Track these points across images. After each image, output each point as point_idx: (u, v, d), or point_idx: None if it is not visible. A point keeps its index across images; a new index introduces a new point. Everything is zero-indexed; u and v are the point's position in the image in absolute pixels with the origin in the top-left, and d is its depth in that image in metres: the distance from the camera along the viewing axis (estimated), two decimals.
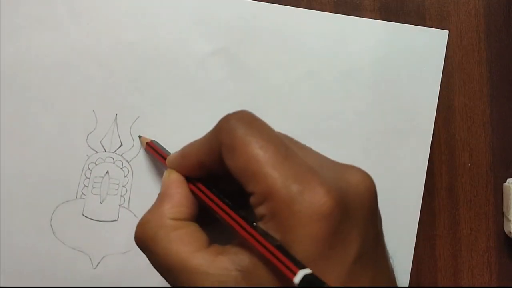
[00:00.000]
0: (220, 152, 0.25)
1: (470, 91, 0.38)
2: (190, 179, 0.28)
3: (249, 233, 0.23)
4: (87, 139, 0.35)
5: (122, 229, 0.35)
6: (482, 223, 0.38)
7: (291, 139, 0.27)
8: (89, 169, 0.35)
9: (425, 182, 0.37)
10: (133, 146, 0.35)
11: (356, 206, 0.23)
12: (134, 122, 0.35)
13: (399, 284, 0.29)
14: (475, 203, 0.38)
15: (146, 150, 0.34)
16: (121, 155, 0.35)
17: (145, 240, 0.26)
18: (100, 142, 0.35)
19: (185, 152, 0.28)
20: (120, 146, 0.35)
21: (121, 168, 0.35)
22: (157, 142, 0.34)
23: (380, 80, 0.36)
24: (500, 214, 0.37)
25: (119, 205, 0.35)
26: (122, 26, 0.35)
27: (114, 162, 0.35)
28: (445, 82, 0.38)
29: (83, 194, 0.35)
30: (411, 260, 0.36)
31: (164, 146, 0.34)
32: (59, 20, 0.35)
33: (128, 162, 0.35)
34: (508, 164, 0.38)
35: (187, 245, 0.25)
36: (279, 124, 0.31)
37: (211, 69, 0.36)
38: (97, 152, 0.35)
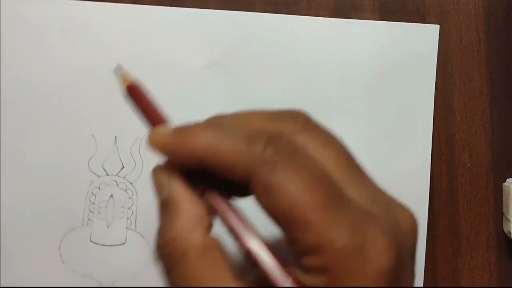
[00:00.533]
0: (248, 178, 0.20)
1: (470, 91, 0.38)
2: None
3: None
4: (88, 164, 0.35)
5: (130, 251, 0.34)
6: (482, 223, 0.38)
7: (340, 162, 0.22)
8: (93, 194, 0.35)
9: None
10: (135, 167, 0.35)
11: (407, 255, 0.21)
12: (134, 143, 0.35)
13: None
14: (475, 203, 0.38)
15: (127, 97, 0.26)
16: (124, 177, 0.35)
17: (170, 262, 0.22)
18: (102, 166, 0.35)
19: (189, 140, 0.22)
20: (122, 168, 0.35)
21: (125, 191, 0.35)
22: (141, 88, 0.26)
23: (376, 81, 0.37)
24: (500, 214, 0.37)
25: (126, 228, 0.35)
26: (115, 46, 0.35)
27: (117, 185, 0.35)
28: (445, 82, 0.38)
29: (89, 220, 0.34)
30: (424, 260, 0.36)
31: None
32: (53, 45, 0.35)
33: (131, 184, 0.35)
34: (508, 164, 0.38)
35: (220, 270, 0.21)
36: None
37: (207, 82, 0.36)
38: (99, 176, 0.35)
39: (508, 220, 0.36)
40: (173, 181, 0.22)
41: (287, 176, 0.20)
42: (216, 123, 0.23)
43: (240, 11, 0.36)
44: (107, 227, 0.34)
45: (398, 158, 0.36)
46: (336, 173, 0.21)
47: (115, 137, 0.35)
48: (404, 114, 0.37)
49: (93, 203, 0.35)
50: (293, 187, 0.20)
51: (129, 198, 0.35)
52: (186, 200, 0.22)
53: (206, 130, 0.22)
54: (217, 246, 0.21)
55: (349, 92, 0.36)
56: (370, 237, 0.19)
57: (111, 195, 0.35)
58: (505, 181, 0.37)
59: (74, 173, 0.35)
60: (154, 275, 0.34)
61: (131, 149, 0.35)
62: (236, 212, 0.22)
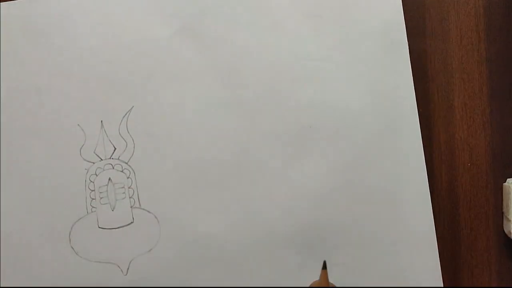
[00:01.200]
0: None
1: (470, 91, 0.38)
2: None
3: None
4: (80, 153, 0.35)
5: (140, 229, 0.35)
6: (482, 223, 0.38)
7: None
8: (91, 181, 0.35)
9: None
10: (126, 146, 0.35)
11: None
12: (120, 123, 0.35)
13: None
14: (475, 203, 0.38)
15: None
16: (118, 159, 0.35)
17: None
18: (94, 152, 0.35)
19: None
20: (114, 150, 0.35)
21: (122, 171, 0.35)
22: None
23: (343, 12, 0.35)
24: (500, 214, 0.37)
25: (131, 207, 0.35)
26: (81, 35, 0.35)
27: (113, 168, 0.35)
28: (445, 82, 0.38)
29: (93, 207, 0.35)
30: (437, 254, 0.36)
31: (153, 134, 0.34)
32: (25, 42, 0.35)
33: (127, 163, 0.35)
34: (508, 164, 0.38)
35: None
36: (257, 81, 0.32)
37: (178, 50, 0.35)
38: (94, 163, 0.35)
39: (508, 220, 0.36)
40: None
41: None
42: None
43: None
44: (112, 210, 0.35)
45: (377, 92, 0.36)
46: None
47: (101, 121, 0.35)
48: (377, 43, 0.36)
49: (93, 190, 0.35)
50: None
51: (128, 178, 0.35)
52: None
53: None
54: None
55: (317, 28, 0.35)
56: None
57: (109, 179, 0.35)
58: (505, 181, 0.37)
59: (68, 165, 0.35)
60: (168, 246, 0.34)
61: (119, 129, 0.35)
62: None
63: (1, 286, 0.34)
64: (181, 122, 0.35)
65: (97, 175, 0.35)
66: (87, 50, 0.35)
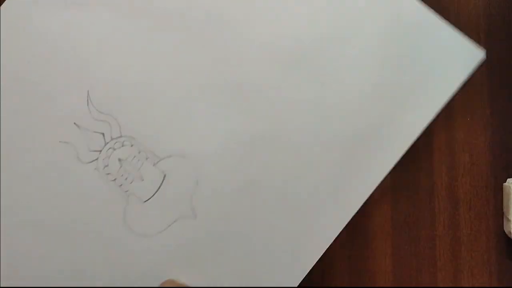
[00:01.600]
0: None
1: (470, 91, 0.38)
2: None
3: None
4: (81, 161, 0.35)
5: (175, 177, 0.34)
6: (482, 223, 0.38)
7: None
8: (107, 174, 0.35)
9: (425, 182, 0.37)
10: (110, 124, 0.35)
11: None
12: (89, 110, 0.35)
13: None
14: (475, 203, 0.38)
15: None
16: (112, 139, 0.35)
17: None
18: (89, 151, 0.35)
19: None
20: (103, 135, 0.35)
21: (123, 146, 0.35)
22: None
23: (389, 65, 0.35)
24: (500, 214, 0.37)
25: (154, 165, 0.34)
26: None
27: (114, 149, 0.35)
28: None
29: (125, 191, 0.34)
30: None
31: (138, 107, 0.34)
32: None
33: (121, 137, 0.35)
34: (508, 164, 0.38)
35: None
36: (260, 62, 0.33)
37: (187, 20, 0.35)
38: (96, 158, 0.35)
39: (509, 220, 0.36)
40: None
41: None
42: None
43: None
44: (142, 180, 0.34)
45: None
46: None
47: (74, 123, 0.35)
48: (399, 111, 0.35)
49: (115, 179, 0.35)
50: None
51: (131, 146, 0.35)
52: None
53: None
54: None
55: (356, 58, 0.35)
56: None
57: (119, 159, 0.35)
58: (505, 181, 0.37)
59: (81, 177, 0.34)
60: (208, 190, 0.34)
61: (93, 116, 0.35)
62: None
63: (1, 286, 0.34)
64: (171, 95, 0.35)
65: (108, 166, 0.35)
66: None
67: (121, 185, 0.34)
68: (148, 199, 0.34)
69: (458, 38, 0.35)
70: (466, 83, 0.38)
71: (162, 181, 0.34)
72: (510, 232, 0.36)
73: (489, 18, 0.38)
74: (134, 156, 0.34)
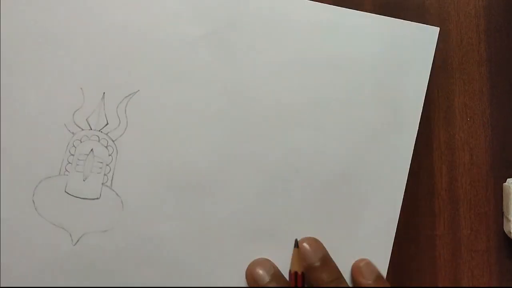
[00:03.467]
0: None
1: (470, 91, 0.38)
2: None
3: None
4: (73, 116, 0.35)
5: (103, 207, 0.34)
6: (482, 223, 0.38)
7: None
8: (74, 146, 0.35)
9: (425, 182, 0.37)
10: (119, 125, 0.35)
11: None
12: (121, 101, 0.35)
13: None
14: (475, 203, 0.38)
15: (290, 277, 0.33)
16: (107, 134, 0.35)
17: None
18: (86, 119, 0.35)
19: None
20: (106, 124, 0.35)
21: (106, 147, 0.35)
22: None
23: (368, 71, 0.37)
24: (500, 214, 0.37)
25: (102, 184, 0.35)
26: (112, 7, 0.35)
27: (99, 141, 0.35)
28: (445, 82, 0.38)
29: (66, 170, 0.34)
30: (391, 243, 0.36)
31: (148, 124, 0.34)
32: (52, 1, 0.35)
33: (113, 141, 0.35)
34: (508, 164, 0.38)
35: None
36: (259, 108, 0.33)
37: (200, 52, 0.36)
38: (82, 129, 0.35)
39: (508, 220, 0.36)
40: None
41: None
42: None
43: None
44: (83, 180, 0.35)
45: (379, 149, 0.36)
46: None
47: (104, 93, 0.35)
48: (392, 108, 0.37)
49: (73, 155, 0.35)
50: None
51: (109, 155, 0.35)
52: None
53: None
54: None
55: (339, 80, 0.36)
56: None
57: (92, 150, 0.35)
58: (505, 181, 0.37)
59: (58, 122, 0.35)
60: (123, 232, 0.34)
61: (117, 106, 0.35)
62: None
63: (1, 286, 0.34)
64: (176, 122, 0.35)
65: (81, 142, 0.35)
66: (112, 24, 0.35)
67: (70, 163, 0.34)
68: (70, 194, 0.34)
69: (410, 25, 0.37)
70: (467, 82, 0.38)
71: (92, 198, 0.34)
72: (510, 232, 0.36)
73: (489, 18, 0.38)
74: (101, 162, 0.35)
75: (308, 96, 0.36)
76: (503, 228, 0.37)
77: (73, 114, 0.35)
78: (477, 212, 0.38)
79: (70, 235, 0.34)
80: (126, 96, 0.35)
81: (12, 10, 0.35)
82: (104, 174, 0.35)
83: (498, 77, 0.38)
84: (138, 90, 0.35)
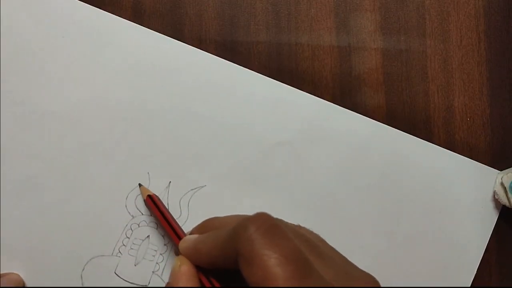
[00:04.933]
0: (235, 258, 0.24)
1: (470, 91, 0.38)
2: (201, 268, 0.28)
3: None
4: (135, 199, 0.34)
5: None
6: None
7: (312, 245, 0.26)
8: (131, 229, 0.34)
9: None
10: (179, 216, 0.35)
11: None
12: (186, 193, 0.35)
13: None
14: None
15: (146, 204, 0.34)
16: None
17: None
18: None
19: (199, 247, 0.28)
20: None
21: (163, 236, 0.34)
22: (159, 199, 0.33)
23: (428, 207, 0.36)
24: (500, 214, 0.37)
25: (153, 272, 0.34)
26: (191, 99, 0.35)
27: (157, 228, 0.34)
28: (445, 82, 0.38)
29: (119, 252, 0.34)
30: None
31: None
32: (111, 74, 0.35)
33: None
34: (508, 164, 0.38)
35: None
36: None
37: (273, 158, 0.36)
38: (142, 214, 0.34)
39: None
40: (181, 271, 0.28)
41: (264, 250, 0.23)
42: (204, 226, 0.30)
43: (318, 97, 0.37)
44: (135, 265, 0.34)
45: None
46: (307, 247, 0.25)
47: (170, 182, 0.35)
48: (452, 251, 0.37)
49: (128, 238, 0.34)
50: (267, 261, 0.23)
51: (164, 245, 0.34)
52: (181, 286, 0.27)
53: (201, 238, 0.28)
54: None
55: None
56: None
57: (148, 236, 0.34)
58: None
59: (120, 202, 0.34)
60: None
61: (181, 198, 0.35)
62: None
63: (1, 286, 0.34)
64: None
65: (139, 227, 0.34)
66: (192, 115, 0.36)
67: (124, 245, 0.34)
68: (119, 276, 0.34)
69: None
70: (467, 82, 0.38)
71: (140, 286, 0.34)
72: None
73: (489, 18, 0.38)
74: (156, 250, 0.34)
75: (365, 223, 0.36)
76: (503, 228, 0.37)
77: (136, 197, 0.34)
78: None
79: None
80: (192, 189, 0.35)
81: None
82: (156, 263, 0.34)
83: (498, 77, 0.38)
84: (205, 185, 0.35)
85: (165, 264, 0.34)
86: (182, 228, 0.33)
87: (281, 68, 0.37)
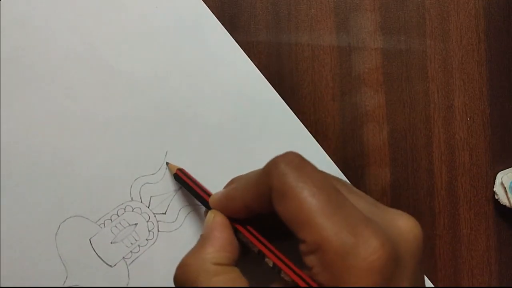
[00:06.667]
0: (269, 196, 0.24)
1: (470, 91, 0.38)
2: (235, 219, 0.28)
3: (303, 280, 0.23)
4: (141, 186, 0.34)
5: (110, 276, 0.34)
6: (482, 223, 0.38)
7: (341, 183, 0.27)
8: (124, 210, 0.34)
9: (425, 182, 0.37)
10: (173, 222, 0.35)
11: (406, 256, 0.23)
12: (186, 205, 0.35)
13: None
14: (475, 203, 0.38)
15: (176, 178, 0.33)
16: (157, 221, 0.34)
17: (185, 283, 0.25)
18: (150, 196, 0.35)
19: (230, 194, 0.27)
20: (163, 214, 0.35)
21: (149, 231, 0.34)
22: (186, 172, 0.33)
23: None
24: (500, 214, 0.37)
25: (123, 257, 0.34)
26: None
27: (147, 221, 0.34)
28: (445, 82, 0.38)
29: (103, 224, 0.34)
30: None
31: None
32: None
33: (158, 231, 0.34)
34: (508, 164, 0.38)
35: None
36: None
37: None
38: (141, 202, 0.34)
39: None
40: (215, 221, 0.28)
41: (296, 183, 0.23)
42: (230, 183, 0.30)
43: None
44: (111, 242, 0.34)
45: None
46: (337, 185, 0.25)
47: (180, 187, 0.35)
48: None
49: (118, 216, 0.34)
50: (301, 193, 0.23)
51: (146, 239, 0.34)
52: (219, 237, 0.27)
53: (232, 185, 0.28)
54: (232, 272, 0.25)
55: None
56: (365, 237, 0.22)
57: (136, 224, 0.34)
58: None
59: (127, 181, 0.34)
60: None
61: (181, 208, 0.35)
62: (265, 238, 0.26)
63: (1, 286, 0.34)
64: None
65: (132, 211, 0.34)
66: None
67: (111, 220, 0.34)
68: (91, 244, 0.34)
69: None
70: (467, 82, 0.38)
71: (105, 263, 0.34)
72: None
73: (489, 18, 0.38)
74: (137, 240, 0.34)
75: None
76: (503, 228, 0.37)
77: (143, 184, 0.34)
78: (477, 212, 0.38)
79: (66, 277, 0.34)
80: (195, 206, 0.35)
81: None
82: (131, 251, 0.34)
83: (498, 77, 0.38)
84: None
85: (137, 257, 0.34)
86: (171, 234, 0.34)
87: (281, 68, 0.37)
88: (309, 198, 0.23)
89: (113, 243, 0.34)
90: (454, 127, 0.38)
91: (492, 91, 0.38)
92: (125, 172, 0.34)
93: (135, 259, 0.34)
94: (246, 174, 0.28)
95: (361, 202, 0.25)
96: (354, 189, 0.27)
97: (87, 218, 0.34)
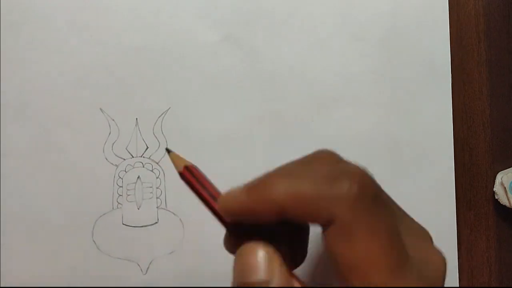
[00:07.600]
0: (331, 219, 0.19)
1: (470, 91, 0.38)
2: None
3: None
4: (112, 149, 0.35)
5: (164, 230, 0.34)
6: (482, 223, 0.38)
7: (394, 206, 0.23)
8: (120, 177, 0.35)
9: None
10: (159, 146, 0.35)
11: None
12: (155, 123, 0.35)
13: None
14: (475, 203, 0.38)
15: (182, 177, 0.26)
16: (149, 158, 0.35)
17: None
18: (126, 149, 0.35)
19: (267, 191, 0.20)
20: (147, 149, 0.35)
21: (152, 171, 0.35)
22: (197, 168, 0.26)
23: (389, 37, 0.37)
24: (500, 214, 0.37)
25: (157, 207, 0.35)
26: (125, 31, 0.35)
27: (143, 166, 0.35)
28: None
29: (119, 203, 0.34)
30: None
31: (188, 137, 0.34)
32: (62, 39, 0.35)
33: (157, 163, 0.35)
34: (508, 164, 0.38)
35: None
36: (296, 97, 0.34)
37: (222, 57, 0.36)
38: (124, 159, 0.35)
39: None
40: (274, 264, 0.20)
41: (371, 227, 0.19)
42: (286, 170, 0.21)
43: None
44: (138, 208, 0.34)
45: (421, 106, 0.37)
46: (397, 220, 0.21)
47: (136, 119, 0.35)
48: (421, 69, 0.37)
49: (121, 187, 0.34)
50: (374, 242, 0.19)
51: (157, 178, 0.35)
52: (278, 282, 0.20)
53: (281, 177, 0.20)
54: None
55: (362, 51, 0.37)
56: None
57: (138, 177, 0.35)
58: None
59: (99, 159, 0.34)
60: (190, 250, 0.34)
61: (153, 129, 0.35)
62: None
63: (1, 286, 0.34)
64: (216, 129, 0.35)
65: (126, 172, 0.35)
66: (129, 49, 0.35)
67: (121, 195, 0.34)
68: (128, 225, 0.34)
69: None
70: (467, 82, 0.38)
71: (150, 224, 0.34)
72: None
73: (489, 18, 0.38)
74: (151, 186, 0.35)
75: (337, 73, 0.36)
76: (503, 228, 0.37)
77: (112, 147, 0.35)
78: (477, 212, 0.38)
79: (139, 265, 0.34)
80: (159, 116, 0.35)
81: (28, 61, 0.34)
82: (157, 197, 0.35)
83: (498, 77, 0.38)
84: (169, 108, 0.35)
85: (165, 196, 0.35)
86: (163, 159, 0.34)
87: None
88: (379, 254, 0.19)
89: (140, 207, 0.35)
90: (454, 127, 0.38)
91: (492, 91, 0.38)
92: (92, 150, 0.35)
93: (165, 199, 0.35)
94: (292, 181, 0.20)
95: (408, 237, 0.21)
96: (394, 205, 0.23)
97: (104, 214, 0.34)
